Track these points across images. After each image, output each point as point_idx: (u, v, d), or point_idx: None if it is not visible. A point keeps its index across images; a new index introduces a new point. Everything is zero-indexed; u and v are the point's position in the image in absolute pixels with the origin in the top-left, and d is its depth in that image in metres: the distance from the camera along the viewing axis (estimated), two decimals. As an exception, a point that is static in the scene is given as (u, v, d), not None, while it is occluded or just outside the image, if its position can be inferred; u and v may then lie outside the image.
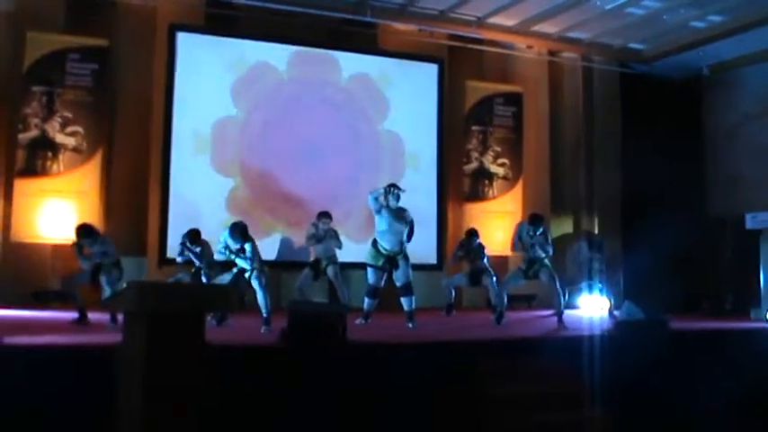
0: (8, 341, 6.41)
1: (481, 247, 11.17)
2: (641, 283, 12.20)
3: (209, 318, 8.07)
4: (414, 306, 9.30)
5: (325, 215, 10.49)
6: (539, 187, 14.05)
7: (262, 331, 8.31)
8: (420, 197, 12.05)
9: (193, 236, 9.44)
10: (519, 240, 10.18)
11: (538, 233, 10.00)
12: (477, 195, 13.57)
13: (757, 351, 8.92)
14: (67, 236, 10.65)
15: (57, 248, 10.90)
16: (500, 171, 13.76)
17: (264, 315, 8.59)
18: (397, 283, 9.38)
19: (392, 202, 9.25)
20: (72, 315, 8.56)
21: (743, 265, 12.54)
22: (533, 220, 10.24)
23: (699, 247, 12.90)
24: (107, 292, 8.55)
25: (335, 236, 10.49)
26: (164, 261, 11.40)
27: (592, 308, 11.52)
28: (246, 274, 8.78)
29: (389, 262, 9.32)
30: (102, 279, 8.66)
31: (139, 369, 5.11)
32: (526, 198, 13.76)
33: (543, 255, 9.97)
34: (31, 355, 6.09)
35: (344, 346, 6.83)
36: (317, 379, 6.44)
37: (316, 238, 10.42)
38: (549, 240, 10.21)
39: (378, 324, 9.20)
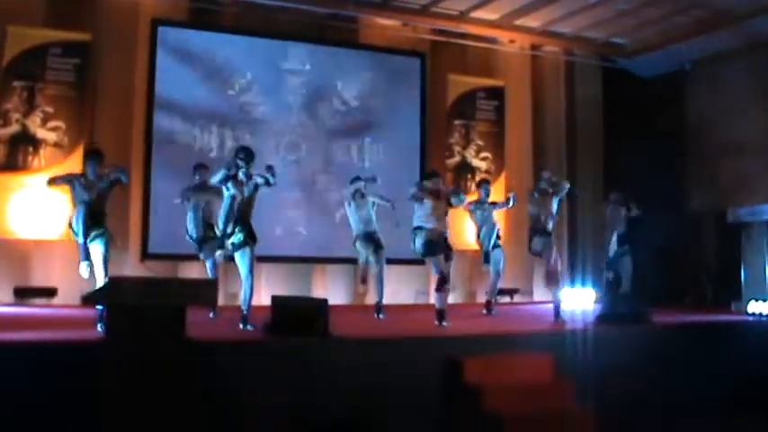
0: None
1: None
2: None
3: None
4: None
5: (356, 179, 9.81)
6: (521, 181, 13.98)
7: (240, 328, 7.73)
8: (402, 191, 12.05)
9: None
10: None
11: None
12: (459, 190, 13.56)
13: (739, 343, 9.00)
14: (49, 231, 10.64)
15: (38, 244, 10.84)
16: (482, 165, 13.77)
17: (244, 311, 7.80)
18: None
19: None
20: (54, 312, 8.15)
21: (724, 258, 12.62)
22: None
23: (681, 240, 12.96)
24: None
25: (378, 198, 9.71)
26: (146, 256, 11.37)
27: (575, 301, 11.59)
28: (231, 247, 7.85)
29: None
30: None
31: (122, 364, 5.11)
32: (508, 192, 13.69)
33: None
34: (12, 352, 6.05)
35: (327, 341, 6.83)
36: (298, 373, 6.44)
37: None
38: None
39: (360, 318, 9.22)
